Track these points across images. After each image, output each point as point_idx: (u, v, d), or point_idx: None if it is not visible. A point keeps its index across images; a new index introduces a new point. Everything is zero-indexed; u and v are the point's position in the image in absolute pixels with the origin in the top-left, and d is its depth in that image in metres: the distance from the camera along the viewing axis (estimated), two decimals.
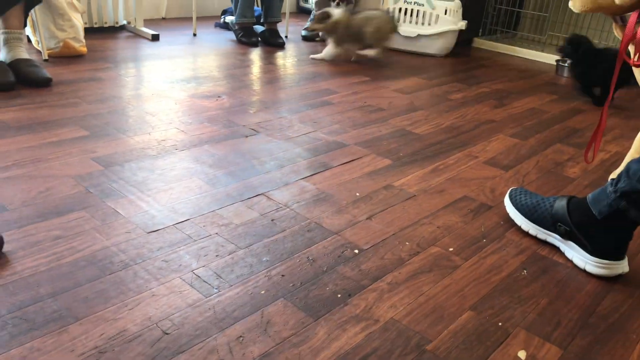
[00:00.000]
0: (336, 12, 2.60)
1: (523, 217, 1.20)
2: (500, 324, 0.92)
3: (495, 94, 2.37)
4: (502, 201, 1.35)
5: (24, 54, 1.91)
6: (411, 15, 2.98)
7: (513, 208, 1.24)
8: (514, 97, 2.34)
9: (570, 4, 1.20)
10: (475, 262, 1.09)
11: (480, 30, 3.46)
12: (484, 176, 1.50)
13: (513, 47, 3.30)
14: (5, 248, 0.97)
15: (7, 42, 1.90)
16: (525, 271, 1.07)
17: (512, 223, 1.25)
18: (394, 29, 2.71)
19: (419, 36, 2.97)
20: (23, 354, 0.76)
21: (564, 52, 2.32)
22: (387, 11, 2.84)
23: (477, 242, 1.16)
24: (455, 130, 1.85)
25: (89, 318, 0.83)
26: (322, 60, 2.68)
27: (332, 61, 2.68)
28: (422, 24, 2.96)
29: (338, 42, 2.65)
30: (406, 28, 2.99)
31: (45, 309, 0.84)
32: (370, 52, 2.75)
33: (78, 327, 0.82)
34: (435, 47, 2.99)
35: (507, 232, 1.21)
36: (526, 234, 1.21)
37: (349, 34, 2.61)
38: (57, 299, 0.87)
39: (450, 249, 1.12)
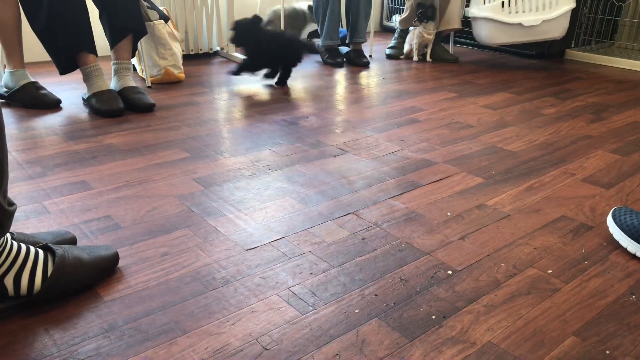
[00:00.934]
0: None
1: (629, 239, 1.14)
2: (607, 352, 0.87)
3: (591, 107, 2.26)
4: (604, 221, 1.29)
5: (131, 82, 2.08)
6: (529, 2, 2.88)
7: (617, 229, 1.17)
8: (613, 111, 2.22)
9: None
10: (577, 285, 1.04)
11: (573, 42, 3.32)
12: (582, 195, 1.43)
13: (610, 57, 3.13)
14: (120, 263, 1.06)
15: (117, 72, 2.08)
16: (634, 296, 1.01)
17: (616, 245, 1.18)
18: None
19: (543, 22, 2.88)
20: None
21: (233, 40, 2.36)
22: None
23: (577, 265, 1.11)
24: (550, 146, 1.78)
25: (195, 331, 0.89)
26: None
27: (418, 78, 2.68)
28: (544, 9, 2.87)
29: None
30: (529, 17, 2.87)
31: (156, 321, 0.91)
32: None
33: (186, 339, 0.87)
34: (557, 31, 2.90)
35: (611, 254, 1.15)
36: (633, 256, 1.14)
37: None
38: (166, 312, 0.93)
39: (549, 271, 1.08)
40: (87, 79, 2.00)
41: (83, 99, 2.07)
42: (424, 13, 2.95)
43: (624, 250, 1.16)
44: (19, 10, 1.94)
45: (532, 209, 1.35)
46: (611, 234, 1.20)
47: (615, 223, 1.18)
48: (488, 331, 0.91)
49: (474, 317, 0.94)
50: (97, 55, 2.02)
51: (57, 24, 1.89)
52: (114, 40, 2.06)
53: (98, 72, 1.99)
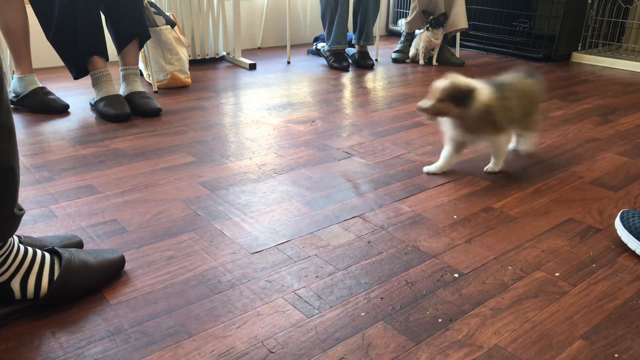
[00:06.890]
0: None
1: (638, 241, 1.13)
2: (616, 355, 0.86)
3: (599, 110, 2.25)
4: (612, 224, 1.28)
5: (139, 87, 2.09)
6: None
7: (626, 231, 1.16)
8: (621, 113, 2.20)
9: None
10: (585, 288, 1.03)
11: (580, 45, 3.31)
12: (590, 197, 1.42)
13: (617, 59, 3.12)
14: (126, 267, 1.06)
15: (125, 77, 2.09)
16: None
17: (624, 247, 1.17)
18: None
19: None
20: None
21: None
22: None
23: (585, 267, 1.10)
24: (557, 149, 1.77)
25: (201, 334, 0.89)
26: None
27: (423, 81, 2.67)
28: None
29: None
30: None
31: (162, 325, 0.91)
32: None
33: (191, 342, 0.87)
34: None
35: (620, 257, 1.14)
36: None
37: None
38: (172, 315, 0.93)
39: (557, 274, 1.08)
40: (96, 83, 2.01)
41: (91, 104, 2.08)
42: (437, 20, 2.96)
43: (633, 253, 1.15)
44: (27, 16, 1.96)
45: (539, 211, 1.34)
46: (619, 237, 1.19)
47: (624, 225, 1.17)
48: (495, 334, 0.90)
49: (480, 320, 0.94)
50: (107, 60, 2.03)
51: (69, 27, 1.90)
52: (120, 46, 2.07)
53: (107, 77, 2.00)
